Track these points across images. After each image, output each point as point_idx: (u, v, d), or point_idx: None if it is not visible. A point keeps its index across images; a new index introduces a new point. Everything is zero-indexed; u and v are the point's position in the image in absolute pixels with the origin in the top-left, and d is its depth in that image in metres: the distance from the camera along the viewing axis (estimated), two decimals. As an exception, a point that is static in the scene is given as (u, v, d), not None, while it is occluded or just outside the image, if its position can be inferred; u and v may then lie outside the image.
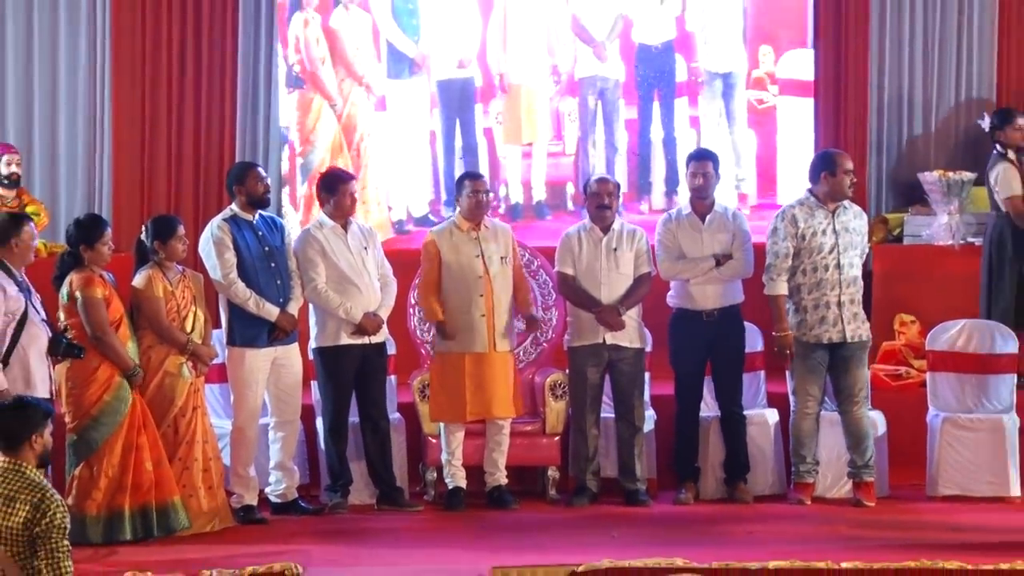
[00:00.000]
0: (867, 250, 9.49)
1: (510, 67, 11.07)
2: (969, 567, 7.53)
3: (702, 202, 9.48)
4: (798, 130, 11.05)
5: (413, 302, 9.68)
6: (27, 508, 5.97)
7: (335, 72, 10.92)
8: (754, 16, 11.01)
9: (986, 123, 10.69)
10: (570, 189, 10.97)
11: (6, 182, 10.40)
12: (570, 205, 11.03)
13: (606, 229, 9.38)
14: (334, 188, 9.30)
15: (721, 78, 10.99)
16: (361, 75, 10.96)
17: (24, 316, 8.20)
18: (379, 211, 10.90)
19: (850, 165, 9.32)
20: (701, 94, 10.98)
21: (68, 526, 6.05)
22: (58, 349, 8.31)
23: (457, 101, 10.98)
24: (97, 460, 8.40)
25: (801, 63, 11.10)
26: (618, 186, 9.61)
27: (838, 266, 9.19)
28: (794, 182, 10.59)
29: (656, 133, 10.97)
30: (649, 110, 10.97)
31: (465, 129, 10.99)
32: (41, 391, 8.14)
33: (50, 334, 8.32)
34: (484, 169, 10.92)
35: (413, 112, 11.01)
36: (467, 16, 10.98)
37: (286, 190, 11.05)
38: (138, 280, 8.72)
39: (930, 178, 10.97)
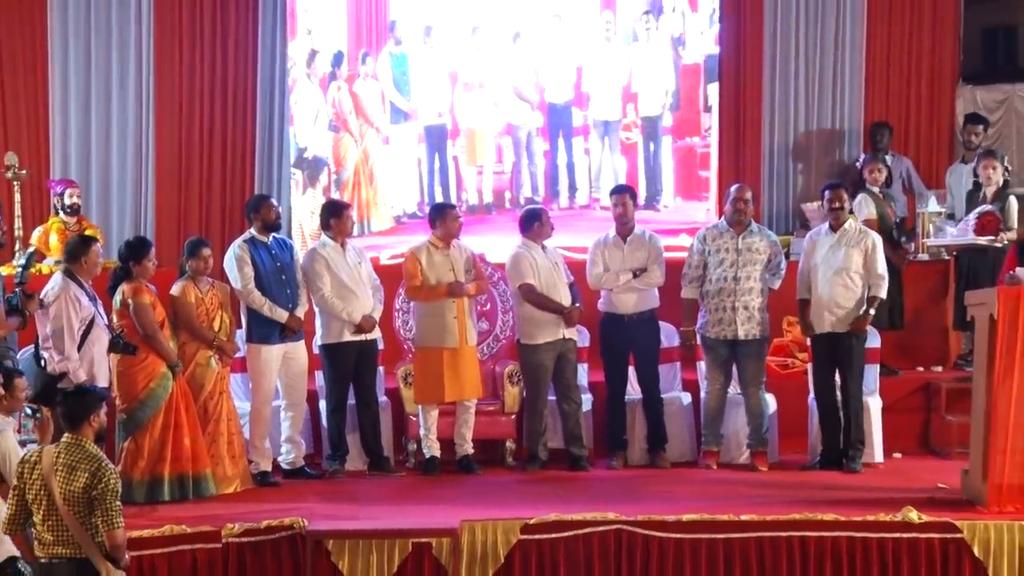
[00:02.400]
0: (781, 264, 9.42)
1: (469, 116, 12.02)
2: (842, 518, 7.61)
3: (624, 226, 9.50)
4: (650, 159, 12.10)
5: (398, 307, 9.68)
6: (86, 475, 5.96)
7: (358, 120, 11.90)
8: (624, 85, 12.02)
9: (861, 162, 10.77)
10: (507, 195, 12.05)
11: (69, 211, 10.36)
12: (507, 205, 12.01)
13: (544, 248, 9.42)
14: (336, 214, 9.30)
15: (603, 124, 12.03)
16: (373, 122, 11.94)
17: (92, 321, 8.19)
18: (385, 209, 12.03)
19: (740, 195, 9.31)
20: (590, 134, 12.02)
21: (120, 490, 6.04)
22: (117, 347, 8.28)
23: (436, 139, 12.04)
24: (142, 435, 8.38)
25: (652, 115, 12.07)
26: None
27: (735, 278, 9.22)
28: (644, 192, 11.91)
29: (562, 159, 12.09)
30: (556, 145, 12.06)
31: (441, 157, 12.05)
32: (102, 381, 8.14)
33: (110, 335, 8.30)
34: (451, 183, 12.02)
35: (407, 146, 12.08)
36: (441, 84, 11.99)
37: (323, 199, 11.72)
38: (175, 289, 8.72)
39: (811, 207, 11.02)
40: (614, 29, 11.93)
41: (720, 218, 9.58)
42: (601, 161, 11.98)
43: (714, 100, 11.90)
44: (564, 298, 9.27)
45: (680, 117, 12.04)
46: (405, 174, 11.95)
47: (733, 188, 9.53)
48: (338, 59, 11.81)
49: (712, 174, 11.91)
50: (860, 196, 10.23)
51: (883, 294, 9.12)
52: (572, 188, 11.98)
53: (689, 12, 11.95)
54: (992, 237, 9.71)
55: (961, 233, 10.01)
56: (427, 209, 11.06)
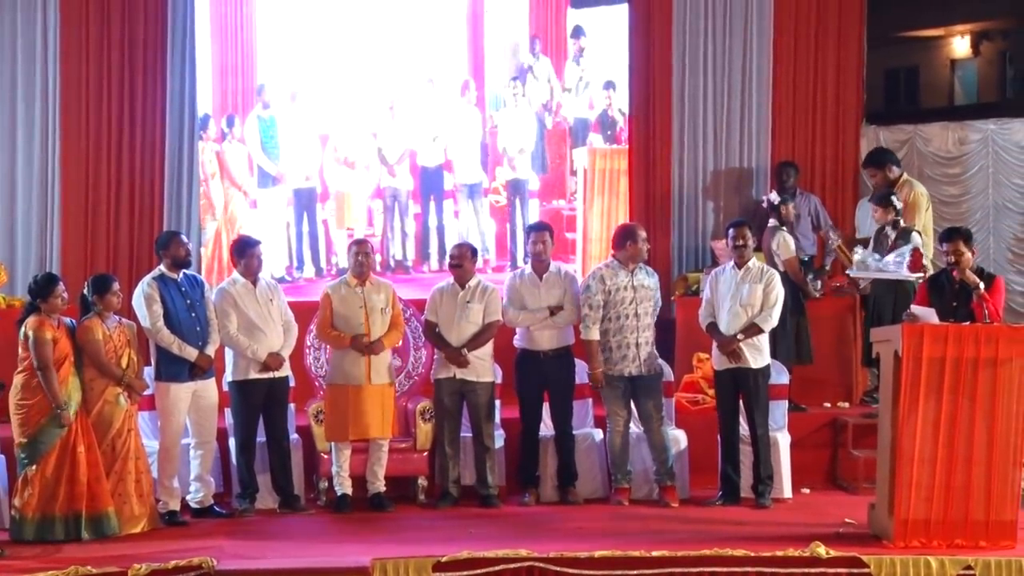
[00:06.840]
0: (659, 302, 9.53)
1: (338, 180, 12.09)
2: (752, 554, 7.63)
3: (540, 264, 9.53)
4: (519, 219, 12.19)
5: (309, 344, 9.62)
6: None
7: (222, 183, 11.84)
8: (491, 149, 12.16)
9: (775, 198, 10.85)
10: (378, 258, 11.69)
11: (-30, 249, 10.22)
12: (377, 268, 11.57)
13: (463, 285, 9.40)
14: (243, 252, 9.25)
15: (470, 187, 12.15)
16: (240, 185, 11.91)
17: None
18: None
19: (645, 235, 9.44)
20: (459, 198, 12.12)
21: None
22: None
23: (305, 202, 12.06)
24: (35, 472, 8.28)
25: (519, 178, 12.21)
26: (473, 250, 9.63)
27: (636, 315, 9.27)
28: (516, 251, 12.12)
29: (432, 222, 12.17)
30: (427, 207, 12.15)
31: (310, 220, 12.05)
32: None
33: None
34: (320, 247, 12.03)
35: (275, 209, 12.02)
36: (310, 147, 12.02)
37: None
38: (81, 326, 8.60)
39: (719, 245, 11.12)
40: (473, 95, 12.05)
41: (610, 258, 9.60)
42: (470, 224, 12.07)
43: (579, 164, 12.11)
44: (456, 339, 9.26)
45: (547, 180, 12.20)
46: (274, 238, 11.82)
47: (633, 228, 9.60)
48: (204, 122, 11.74)
49: (578, 236, 12.09)
50: (780, 235, 10.35)
51: (767, 327, 9.20)
52: (441, 250, 11.93)
53: (555, 79, 12.13)
54: (920, 274, 9.87)
55: (895, 267, 10.07)
56: (296, 273, 11.80)
